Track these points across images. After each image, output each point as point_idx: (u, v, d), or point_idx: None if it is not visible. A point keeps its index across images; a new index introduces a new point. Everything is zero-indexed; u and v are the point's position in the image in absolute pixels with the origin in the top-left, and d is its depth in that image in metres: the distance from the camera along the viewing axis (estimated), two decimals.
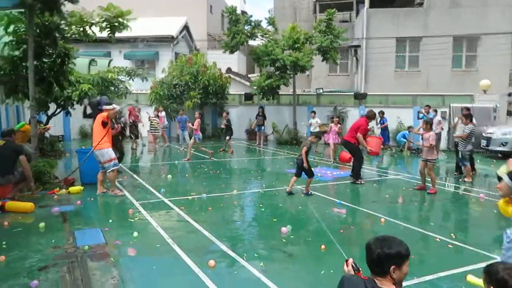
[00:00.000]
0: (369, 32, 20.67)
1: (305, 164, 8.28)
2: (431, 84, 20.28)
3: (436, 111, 14.91)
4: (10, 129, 8.32)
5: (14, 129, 8.64)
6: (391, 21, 20.58)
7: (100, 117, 8.19)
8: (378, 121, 16.04)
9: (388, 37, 20.26)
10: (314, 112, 16.16)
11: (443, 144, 16.66)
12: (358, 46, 21.56)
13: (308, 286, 4.49)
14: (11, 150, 7.33)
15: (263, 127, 18.37)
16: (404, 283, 2.35)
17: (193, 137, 13.66)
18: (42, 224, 6.17)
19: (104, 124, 8.11)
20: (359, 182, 9.77)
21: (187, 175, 11.02)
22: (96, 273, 4.50)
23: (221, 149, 15.68)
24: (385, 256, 2.24)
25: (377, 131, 16.72)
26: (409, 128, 16.51)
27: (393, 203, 8.21)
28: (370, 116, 10.08)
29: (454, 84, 19.80)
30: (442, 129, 14.96)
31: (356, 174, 9.92)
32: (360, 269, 2.47)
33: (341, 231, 6.15)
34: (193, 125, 13.79)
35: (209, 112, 21.48)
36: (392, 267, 2.24)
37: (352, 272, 2.48)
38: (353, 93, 20.13)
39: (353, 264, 2.51)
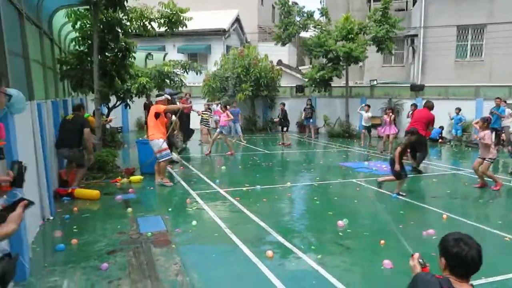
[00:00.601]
0: (427, 21, 19.69)
1: (396, 166, 7.48)
2: (495, 75, 18.98)
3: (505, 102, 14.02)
4: (80, 104, 8.83)
5: (83, 104, 9.18)
6: (452, 9, 19.47)
7: (154, 108, 8.50)
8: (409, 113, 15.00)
9: (448, 25, 19.20)
10: (368, 106, 15.49)
11: None
12: (415, 35, 20.63)
13: (367, 280, 4.42)
14: (79, 123, 7.69)
15: (311, 120, 18.15)
16: (473, 282, 2.22)
17: (218, 130, 12.98)
18: (129, 210, 6.59)
19: (156, 115, 8.40)
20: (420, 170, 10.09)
21: (240, 167, 11.17)
22: (159, 259, 4.70)
23: (280, 143, 15.54)
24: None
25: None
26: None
27: (454, 198, 7.84)
28: (431, 107, 10.18)
29: None
30: None
31: (418, 162, 10.08)
32: (427, 264, 2.38)
33: (400, 226, 5.97)
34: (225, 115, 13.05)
35: (259, 105, 21.57)
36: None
37: (418, 267, 2.37)
38: (409, 85, 19.34)
39: (420, 259, 2.41)
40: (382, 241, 5.19)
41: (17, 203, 1.86)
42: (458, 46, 19.78)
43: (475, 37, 19.57)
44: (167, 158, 8.47)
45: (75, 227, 5.77)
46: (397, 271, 4.44)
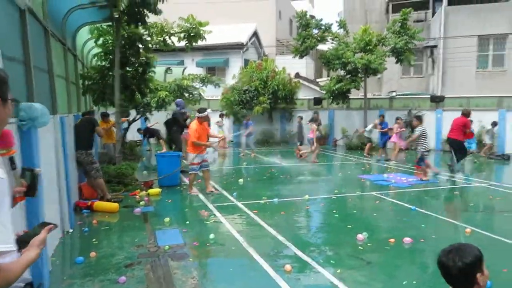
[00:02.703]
0: (447, 31, 19.50)
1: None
2: None
3: None
4: (90, 109, 9.02)
5: (93, 110, 9.35)
6: (472, 18, 19.24)
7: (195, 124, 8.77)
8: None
9: (469, 35, 18.95)
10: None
11: None
12: (435, 46, 20.43)
13: None
14: (88, 122, 7.84)
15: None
16: None
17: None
18: (167, 219, 6.74)
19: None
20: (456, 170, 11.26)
21: (257, 180, 11.14)
22: (177, 272, 4.70)
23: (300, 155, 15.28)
24: (468, 267, 2.06)
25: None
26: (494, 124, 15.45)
27: (477, 212, 7.63)
28: (466, 113, 11.04)
29: None
30: None
31: (456, 161, 11.14)
32: None
33: (421, 240, 5.84)
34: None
35: (277, 117, 21.60)
36: (478, 274, 2.05)
37: None
38: (429, 96, 19.07)
39: None
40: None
41: (41, 226, 1.80)
42: (479, 56, 19.47)
43: (497, 46, 19.23)
44: (192, 172, 8.91)
45: (94, 239, 5.84)
46: (418, 285, 4.32)
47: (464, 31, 19.04)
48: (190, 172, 8.96)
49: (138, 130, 16.94)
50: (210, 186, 9.15)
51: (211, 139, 9.51)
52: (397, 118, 14.58)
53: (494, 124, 16.04)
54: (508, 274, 4.28)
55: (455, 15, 19.47)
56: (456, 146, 11.16)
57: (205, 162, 8.97)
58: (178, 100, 12.01)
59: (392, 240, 5.74)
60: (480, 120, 16.03)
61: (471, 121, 11.54)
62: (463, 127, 10.91)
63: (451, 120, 11.80)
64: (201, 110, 8.88)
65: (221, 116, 18.02)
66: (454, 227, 6.62)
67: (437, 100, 18.40)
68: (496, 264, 2.21)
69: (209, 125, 9.73)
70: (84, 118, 8.08)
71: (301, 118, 16.29)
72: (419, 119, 11.23)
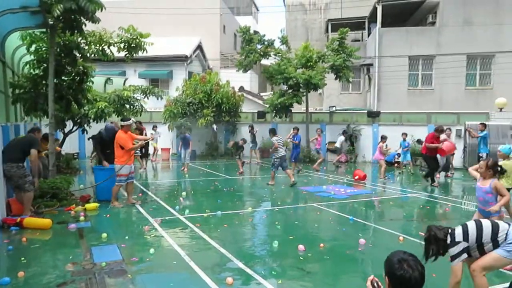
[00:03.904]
0: (382, 51, 20.76)
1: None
2: (444, 102, 20.17)
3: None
4: (36, 127, 8.69)
5: (38, 127, 8.84)
6: (403, 40, 20.67)
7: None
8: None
9: (400, 56, 20.32)
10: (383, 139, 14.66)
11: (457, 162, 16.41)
12: (371, 64, 21.64)
13: None
14: (28, 142, 7.46)
15: (256, 144, 18.75)
16: None
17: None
18: (105, 234, 6.46)
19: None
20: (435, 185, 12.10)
21: (201, 193, 11.01)
22: None
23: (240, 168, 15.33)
24: (422, 278, 2.22)
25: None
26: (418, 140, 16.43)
27: (410, 220, 8.08)
28: (436, 130, 12.12)
29: (468, 102, 19.67)
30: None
31: (429, 177, 12.27)
32: (381, 286, 2.42)
33: (360, 249, 6.06)
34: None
35: (221, 130, 21.61)
36: None
37: None
38: (366, 111, 20.10)
39: (374, 282, 2.45)
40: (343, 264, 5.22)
41: None
42: (410, 75, 20.91)
43: (425, 67, 20.79)
44: (118, 183, 8.78)
45: (22, 258, 5.42)
46: None
47: (396, 51, 20.40)
48: (116, 184, 8.74)
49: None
50: (132, 198, 9.13)
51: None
52: (382, 138, 14.42)
53: (419, 141, 17.24)
54: (436, 279, 4.56)
55: (388, 36, 20.82)
56: (425, 159, 12.47)
57: (131, 174, 8.93)
58: (108, 124, 11.41)
59: (326, 248, 5.90)
60: (412, 135, 17.11)
61: (437, 136, 12.12)
62: (429, 142, 11.98)
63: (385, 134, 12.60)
64: (125, 119, 9.01)
65: (154, 128, 17.80)
66: (388, 235, 6.95)
67: (373, 115, 19.45)
68: (427, 269, 2.36)
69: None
70: (27, 136, 7.69)
71: (252, 127, 16.74)
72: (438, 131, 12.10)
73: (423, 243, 3.73)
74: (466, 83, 20.34)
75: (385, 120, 19.26)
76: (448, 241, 3.57)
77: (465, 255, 3.56)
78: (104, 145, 9.96)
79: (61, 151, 13.74)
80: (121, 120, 9.10)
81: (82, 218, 7.50)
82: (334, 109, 20.87)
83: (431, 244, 3.55)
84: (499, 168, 5.22)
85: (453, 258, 3.56)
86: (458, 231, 3.64)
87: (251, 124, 18.89)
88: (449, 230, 3.64)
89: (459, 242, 3.55)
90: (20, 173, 7.22)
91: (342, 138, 17.60)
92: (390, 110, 19.73)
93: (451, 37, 20.04)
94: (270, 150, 12.75)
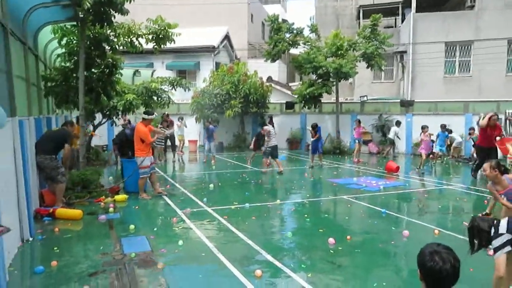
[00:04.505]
0: (416, 37, 19.97)
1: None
2: (483, 90, 19.22)
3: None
4: (69, 120, 8.82)
5: (71, 121, 9.03)
6: (439, 25, 19.78)
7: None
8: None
9: (436, 42, 19.48)
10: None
11: None
12: (404, 51, 20.87)
13: None
14: (62, 136, 7.67)
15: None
16: None
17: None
18: (133, 226, 6.53)
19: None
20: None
21: (228, 185, 10.97)
22: (143, 280, 4.49)
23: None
24: (455, 272, 2.05)
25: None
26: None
27: (446, 213, 7.73)
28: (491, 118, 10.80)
29: (509, 89, 18.64)
30: None
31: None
32: None
33: (392, 242, 5.83)
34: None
35: (249, 122, 21.49)
36: None
37: None
38: (399, 101, 19.45)
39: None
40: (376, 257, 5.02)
41: None
42: (447, 62, 20.04)
43: (463, 53, 19.85)
44: (143, 175, 8.81)
45: (55, 248, 5.52)
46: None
47: (431, 38, 19.56)
48: (141, 176, 8.76)
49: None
50: (159, 188, 9.19)
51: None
52: (423, 128, 13.61)
53: (398, 123, 17.09)
54: (473, 273, 4.32)
55: (423, 22, 19.97)
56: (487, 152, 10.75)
57: (153, 165, 8.99)
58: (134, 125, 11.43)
59: (357, 241, 5.71)
60: (448, 124, 16.41)
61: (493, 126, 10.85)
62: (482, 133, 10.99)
63: (420, 124, 11.88)
64: (150, 112, 8.98)
65: (179, 119, 17.92)
66: (423, 229, 6.66)
67: (406, 105, 18.78)
68: (463, 263, 2.17)
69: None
70: (61, 130, 7.84)
71: (271, 118, 16.63)
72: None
73: (459, 236, 3.53)
74: (507, 69, 19.25)
75: (420, 109, 18.57)
76: (492, 232, 3.37)
77: (508, 248, 3.38)
78: (128, 145, 9.96)
79: (95, 135, 13.99)
80: (144, 113, 8.99)
81: (111, 209, 7.59)
82: (365, 98, 20.31)
83: (474, 236, 3.36)
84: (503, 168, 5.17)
85: (496, 250, 3.39)
86: (503, 222, 3.44)
87: (270, 115, 18.64)
88: (494, 222, 3.44)
89: (502, 234, 3.36)
90: (53, 165, 7.37)
91: (397, 129, 17.01)
92: (425, 99, 19.02)
93: (491, 21, 18.98)
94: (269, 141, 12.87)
